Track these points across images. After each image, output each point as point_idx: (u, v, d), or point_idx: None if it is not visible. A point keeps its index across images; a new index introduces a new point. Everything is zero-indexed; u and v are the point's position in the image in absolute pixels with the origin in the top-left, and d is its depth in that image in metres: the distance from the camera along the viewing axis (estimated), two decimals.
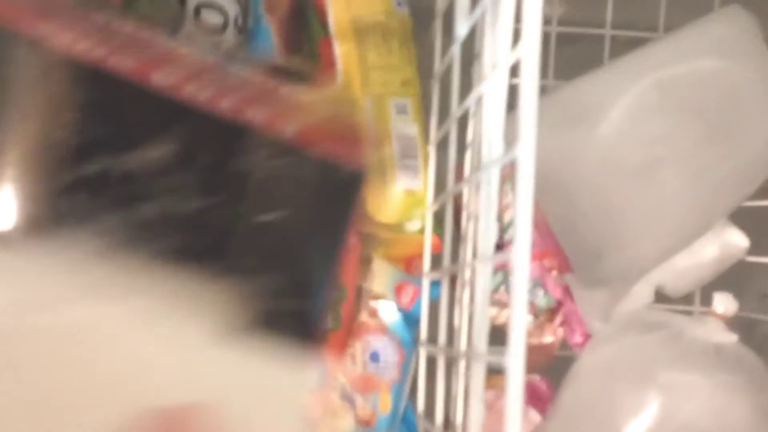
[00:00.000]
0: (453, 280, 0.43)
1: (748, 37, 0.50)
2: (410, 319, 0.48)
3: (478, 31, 0.41)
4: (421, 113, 0.48)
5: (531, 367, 0.54)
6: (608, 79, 0.51)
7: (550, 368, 0.54)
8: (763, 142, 0.51)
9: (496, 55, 0.33)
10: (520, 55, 0.28)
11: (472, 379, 0.33)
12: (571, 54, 0.60)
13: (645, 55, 0.51)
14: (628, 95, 0.49)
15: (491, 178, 0.33)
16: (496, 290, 0.52)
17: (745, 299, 0.52)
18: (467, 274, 0.40)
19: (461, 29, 0.39)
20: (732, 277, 0.56)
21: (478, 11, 0.36)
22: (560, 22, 0.59)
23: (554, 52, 0.59)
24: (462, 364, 0.40)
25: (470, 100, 0.38)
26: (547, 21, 0.58)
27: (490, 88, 0.34)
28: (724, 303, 0.49)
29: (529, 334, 0.53)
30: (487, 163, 0.33)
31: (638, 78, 0.49)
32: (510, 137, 0.31)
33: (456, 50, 0.40)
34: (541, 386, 0.54)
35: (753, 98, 0.50)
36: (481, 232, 0.33)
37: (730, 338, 0.48)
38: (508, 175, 0.45)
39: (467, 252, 0.40)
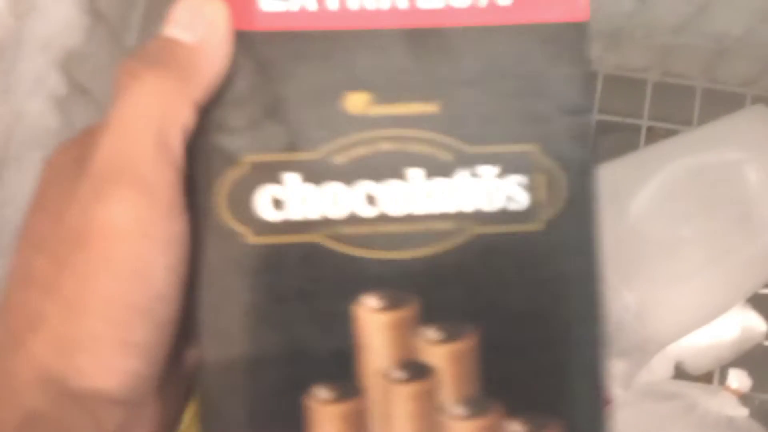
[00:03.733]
0: None
1: None
2: None
3: None
4: None
5: None
6: (640, 162, 0.55)
7: None
8: None
9: None
10: None
11: None
12: (609, 141, 0.65)
13: (676, 143, 0.55)
14: (658, 177, 0.53)
15: None
16: None
17: (760, 379, 0.55)
18: None
19: None
20: (750, 358, 0.59)
21: None
22: (600, 111, 0.64)
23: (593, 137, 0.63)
24: None
25: None
26: None
27: None
28: (738, 379, 0.52)
29: None
30: None
31: (668, 162, 0.53)
32: None
33: None
34: None
35: None
36: None
37: (742, 412, 0.51)
38: None
39: None
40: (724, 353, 0.58)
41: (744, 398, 0.52)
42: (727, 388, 0.52)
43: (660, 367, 0.58)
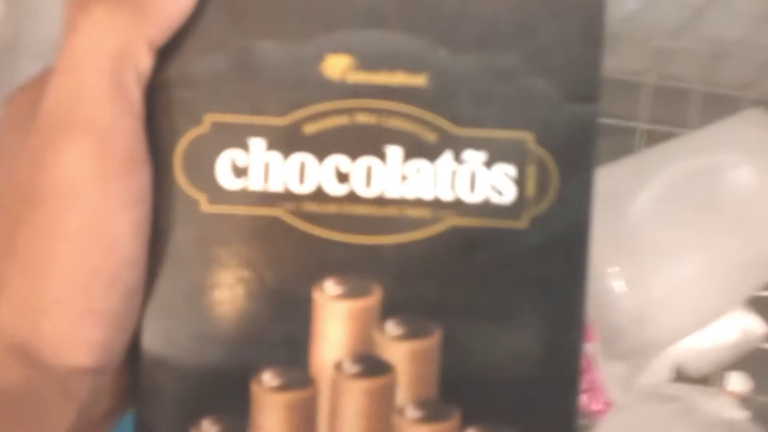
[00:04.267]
0: None
1: None
2: None
3: None
4: None
5: None
6: (639, 166, 0.55)
7: None
8: None
9: None
10: None
11: None
12: (606, 143, 0.65)
13: (674, 146, 0.55)
14: (656, 181, 0.53)
15: None
16: None
17: (761, 382, 0.55)
18: None
19: None
20: (750, 361, 0.59)
21: None
22: None
23: None
24: None
25: None
26: None
27: None
28: (738, 382, 0.52)
29: None
30: None
31: (666, 166, 0.53)
32: None
33: None
34: None
35: None
36: None
37: (742, 415, 0.51)
38: None
39: None
40: (724, 356, 0.58)
41: (744, 401, 0.52)
42: (728, 391, 0.52)
43: (660, 369, 0.58)
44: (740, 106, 0.62)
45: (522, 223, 0.25)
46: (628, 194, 0.54)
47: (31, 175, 0.21)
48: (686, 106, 0.63)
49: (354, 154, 0.25)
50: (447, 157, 0.25)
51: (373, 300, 0.25)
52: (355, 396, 0.25)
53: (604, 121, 0.64)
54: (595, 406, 0.56)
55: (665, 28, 0.56)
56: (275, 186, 0.25)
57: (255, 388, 0.25)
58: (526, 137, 0.25)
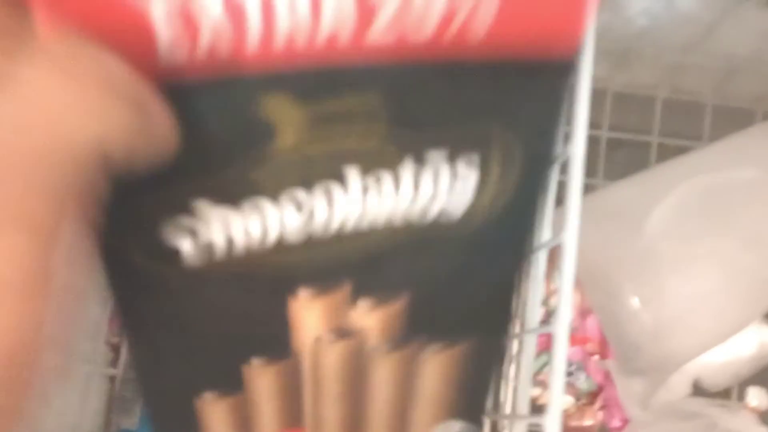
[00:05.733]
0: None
1: None
2: None
3: None
4: None
5: None
6: (653, 181, 0.55)
7: None
8: None
9: None
10: (568, 154, 0.33)
11: None
12: (620, 157, 0.65)
13: (688, 161, 0.55)
14: (672, 196, 0.53)
15: (539, 259, 0.37)
16: (539, 371, 0.55)
17: None
18: (515, 348, 0.43)
19: None
20: None
21: None
22: (610, 128, 0.64)
23: (604, 154, 0.63)
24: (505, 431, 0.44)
25: None
26: (598, 126, 0.63)
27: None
28: (758, 397, 0.52)
29: (570, 417, 0.56)
30: (537, 246, 0.38)
31: (681, 181, 0.53)
32: (557, 227, 0.35)
33: None
34: None
35: None
36: (528, 307, 0.37)
37: (762, 431, 0.51)
38: (556, 263, 0.49)
39: (515, 327, 0.44)
40: (742, 370, 0.58)
41: (764, 416, 0.52)
42: (747, 407, 0.52)
43: (678, 385, 0.58)
44: (754, 118, 0.62)
45: (472, 223, 0.28)
46: (643, 210, 0.54)
47: None
48: (699, 118, 0.63)
49: (309, 186, 0.25)
50: (409, 162, 0.26)
51: (341, 293, 0.28)
52: (333, 356, 0.29)
53: (617, 135, 0.64)
54: (613, 423, 0.56)
55: (676, 44, 0.55)
56: (232, 239, 0.26)
57: (248, 370, 0.28)
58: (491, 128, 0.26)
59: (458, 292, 0.30)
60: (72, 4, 0.21)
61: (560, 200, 0.35)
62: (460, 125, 0.26)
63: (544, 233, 0.37)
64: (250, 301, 0.27)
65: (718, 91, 0.62)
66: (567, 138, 0.33)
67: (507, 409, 0.45)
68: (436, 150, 0.26)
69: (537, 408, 0.52)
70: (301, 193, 0.25)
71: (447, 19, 0.23)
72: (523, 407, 0.36)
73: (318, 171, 0.25)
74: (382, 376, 0.30)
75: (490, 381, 0.34)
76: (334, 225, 0.26)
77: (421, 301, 0.29)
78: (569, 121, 0.33)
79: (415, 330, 0.30)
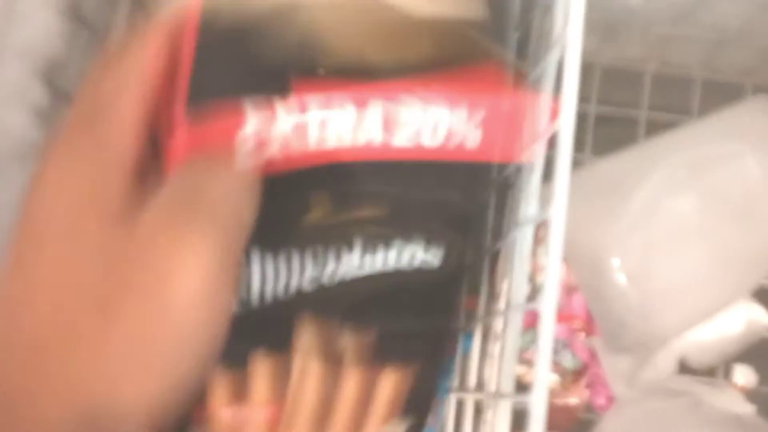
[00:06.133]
0: (485, 335, 0.46)
1: None
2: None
3: None
4: None
5: (555, 427, 0.56)
6: (641, 156, 0.54)
7: (574, 429, 0.57)
8: None
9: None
10: (556, 128, 0.32)
11: (498, 419, 0.36)
12: (608, 132, 0.64)
13: (676, 136, 0.54)
14: (659, 171, 0.52)
15: (526, 234, 0.36)
16: (525, 349, 0.54)
17: (766, 374, 0.54)
18: (499, 326, 0.43)
19: None
20: (755, 352, 0.58)
21: None
22: (599, 102, 0.63)
23: (592, 129, 0.63)
24: (489, 413, 0.43)
25: (510, 169, 0.41)
26: (586, 100, 0.62)
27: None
28: (744, 375, 0.51)
29: (555, 394, 0.56)
30: (523, 221, 0.37)
31: (669, 156, 0.52)
32: (544, 202, 0.34)
33: None
34: None
35: None
36: (514, 283, 0.36)
37: (748, 409, 0.50)
38: (542, 239, 0.48)
39: (501, 304, 0.43)
40: (729, 348, 0.57)
41: (750, 394, 0.51)
42: (733, 385, 0.51)
43: (664, 363, 0.57)
44: (743, 92, 0.61)
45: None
46: (631, 186, 0.53)
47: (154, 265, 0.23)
48: (688, 93, 0.62)
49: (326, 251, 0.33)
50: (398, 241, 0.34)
51: (333, 325, 0.34)
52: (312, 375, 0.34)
53: (606, 109, 0.63)
54: (599, 401, 0.56)
55: (666, 15, 0.54)
56: None
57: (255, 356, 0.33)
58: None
59: (413, 326, 0.37)
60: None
61: (547, 176, 0.34)
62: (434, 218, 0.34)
63: (531, 208, 0.37)
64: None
65: (707, 64, 0.61)
66: (554, 114, 0.32)
67: (491, 387, 0.45)
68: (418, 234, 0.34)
69: (522, 386, 0.52)
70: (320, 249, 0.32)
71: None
72: (508, 385, 0.35)
73: (333, 236, 0.32)
74: (350, 386, 0.36)
75: (435, 382, 0.40)
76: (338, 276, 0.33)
77: (384, 333, 0.35)
78: (558, 96, 0.32)
79: (379, 355, 0.35)
